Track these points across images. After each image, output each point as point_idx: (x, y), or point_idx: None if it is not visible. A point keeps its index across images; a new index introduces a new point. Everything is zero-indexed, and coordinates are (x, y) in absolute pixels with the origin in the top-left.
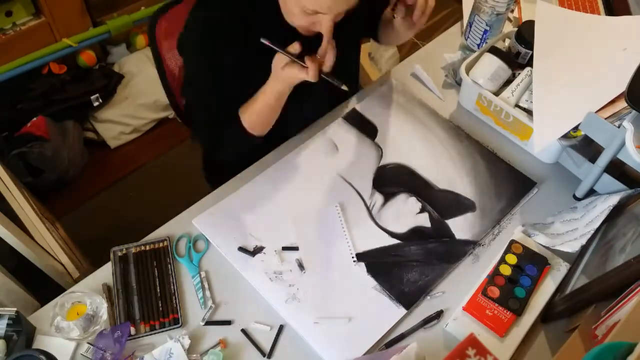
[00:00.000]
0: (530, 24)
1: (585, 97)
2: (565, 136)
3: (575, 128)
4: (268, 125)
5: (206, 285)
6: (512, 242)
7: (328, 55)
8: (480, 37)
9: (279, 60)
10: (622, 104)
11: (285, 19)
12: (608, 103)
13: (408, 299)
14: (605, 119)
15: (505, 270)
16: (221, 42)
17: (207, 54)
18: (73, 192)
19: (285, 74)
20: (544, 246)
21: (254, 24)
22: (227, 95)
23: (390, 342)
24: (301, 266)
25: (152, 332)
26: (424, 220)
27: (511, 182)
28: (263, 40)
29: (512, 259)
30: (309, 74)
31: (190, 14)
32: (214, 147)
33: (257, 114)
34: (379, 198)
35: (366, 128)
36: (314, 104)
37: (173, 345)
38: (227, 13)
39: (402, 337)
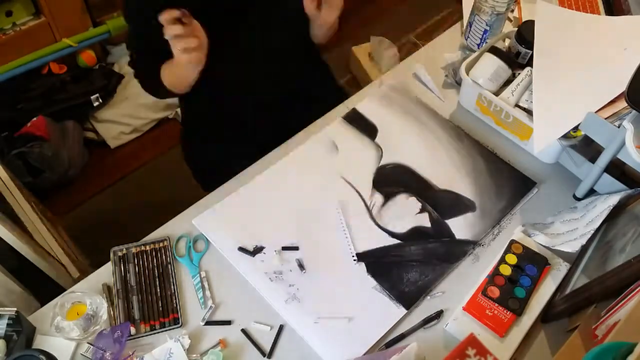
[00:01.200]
0: (530, 24)
1: (585, 97)
2: (565, 136)
3: (575, 128)
4: (188, 85)
5: (206, 285)
6: (512, 242)
7: None
8: (480, 37)
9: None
10: (622, 104)
11: None
12: (608, 103)
13: (408, 299)
14: (605, 119)
15: (505, 270)
16: None
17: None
18: (73, 192)
19: (174, 49)
20: (544, 246)
21: None
22: (152, 41)
23: (390, 342)
24: (301, 266)
25: (152, 332)
26: (424, 220)
27: (511, 182)
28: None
29: (512, 259)
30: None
31: None
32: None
33: (173, 75)
34: (379, 198)
35: (366, 128)
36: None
37: (173, 345)
38: None
39: (402, 337)
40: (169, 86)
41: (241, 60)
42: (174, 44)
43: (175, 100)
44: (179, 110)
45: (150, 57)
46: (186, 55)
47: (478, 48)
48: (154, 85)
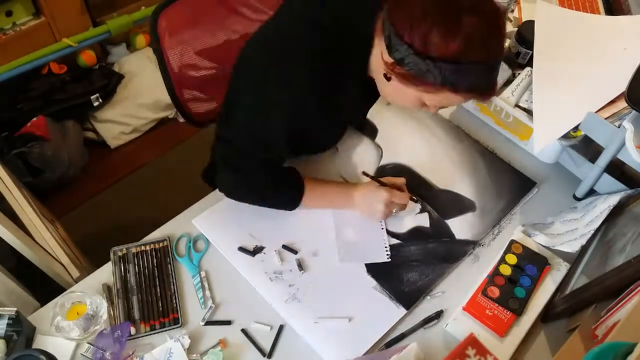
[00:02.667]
0: (530, 24)
1: (585, 97)
2: (565, 136)
3: (575, 128)
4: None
5: (206, 285)
6: (512, 242)
7: None
8: None
9: (385, 198)
10: (622, 104)
11: (386, 99)
12: (608, 103)
13: (408, 299)
14: (605, 119)
15: (505, 270)
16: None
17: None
18: (73, 192)
19: (380, 212)
20: (544, 246)
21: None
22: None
23: (390, 342)
24: (300, 266)
25: (152, 332)
26: (424, 220)
27: (511, 182)
28: (366, 174)
29: (512, 259)
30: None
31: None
32: (254, 195)
33: (322, 204)
34: None
35: (366, 128)
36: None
37: (173, 345)
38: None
39: (402, 337)
40: (310, 205)
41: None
42: (390, 205)
43: None
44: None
45: (277, 168)
46: (387, 212)
47: None
48: (282, 197)
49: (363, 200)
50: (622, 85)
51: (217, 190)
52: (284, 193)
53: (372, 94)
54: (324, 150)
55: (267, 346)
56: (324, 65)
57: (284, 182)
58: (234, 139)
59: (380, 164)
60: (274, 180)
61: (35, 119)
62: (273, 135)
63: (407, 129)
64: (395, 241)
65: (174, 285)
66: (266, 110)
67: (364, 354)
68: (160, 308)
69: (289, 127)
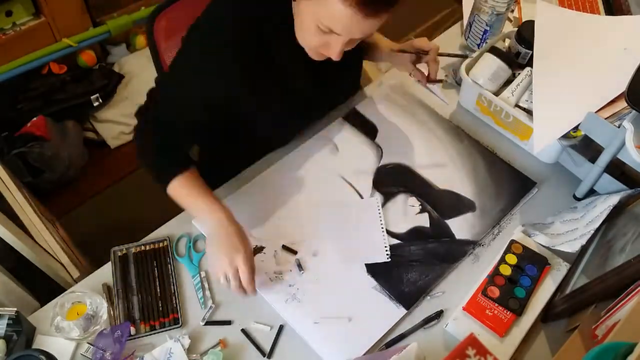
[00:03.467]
0: (530, 24)
1: (585, 97)
2: (565, 136)
3: (575, 128)
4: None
5: (206, 285)
6: (512, 242)
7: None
8: (480, 37)
9: (231, 257)
10: (622, 104)
11: (297, 38)
12: (608, 103)
13: (408, 299)
14: (605, 119)
15: (505, 270)
16: (229, 54)
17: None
18: (73, 192)
19: (219, 268)
20: (544, 246)
21: (261, 38)
22: (194, 121)
23: (390, 342)
24: (300, 266)
25: (152, 332)
26: (424, 220)
27: (511, 182)
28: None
29: (512, 259)
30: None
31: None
32: (142, 149)
33: (184, 203)
34: (379, 198)
35: (366, 128)
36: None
37: (173, 345)
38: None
39: (402, 337)
40: (172, 196)
41: (294, 117)
42: (233, 284)
43: None
44: None
45: (175, 134)
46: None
47: (478, 48)
48: (161, 165)
49: (224, 244)
50: (622, 85)
51: (217, 190)
52: (163, 161)
53: (310, 62)
54: (275, 143)
55: (267, 346)
56: (246, 26)
57: (172, 153)
58: (156, 96)
59: (380, 164)
60: (163, 145)
61: (35, 119)
62: (190, 96)
63: (407, 129)
64: (395, 241)
65: (174, 285)
66: (187, 73)
67: (364, 354)
68: (160, 308)
69: (209, 94)
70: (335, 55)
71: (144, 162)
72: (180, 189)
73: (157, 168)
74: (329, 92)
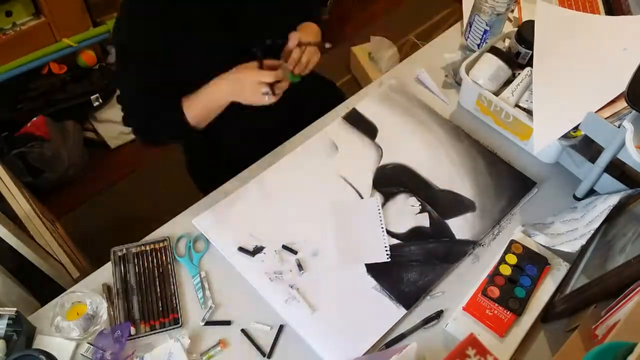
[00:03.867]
0: (530, 24)
1: (585, 97)
2: (565, 136)
3: (575, 128)
4: (211, 119)
5: (206, 285)
6: (512, 242)
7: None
8: (480, 37)
9: (254, 77)
10: (622, 104)
11: None
12: (608, 103)
13: (408, 299)
14: (605, 119)
15: (505, 270)
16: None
17: (144, 25)
18: (73, 192)
19: (252, 95)
20: (544, 246)
21: None
22: (164, 74)
23: (390, 342)
24: (300, 266)
25: (152, 332)
26: (424, 220)
27: (511, 182)
28: (255, 50)
29: (512, 259)
30: (268, 100)
31: None
32: (147, 132)
33: (203, 109)
34: (379, 198)
35: (366, 128)
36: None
37: (173, 345)
38: None
39: (402, 337)
40: (195, 121)
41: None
42: (261, 90)
43: None
44: None
45: (156, 95)
46: (268, 97)
47: (478, 48)
48: (166, 124)
49: (230, 83)
50: (622, 85)
51: (217, 190)
52: (163, 117)
53: None
54: (208, 71)
55: (267, 346)
56: None
57: (161, 108)
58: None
59: (380, 164)
60: (150, 111)
61: (35, 119)
62: (133, 43)
63: (407, 128)
64: (395, 241)
65: (174, 285)
66: (125, 21)
67: (364, 354)
68: (160, 308)
69: (146, 36)
70: None
71: (156, 134)
72: (195, 110)
73: (163, 128)
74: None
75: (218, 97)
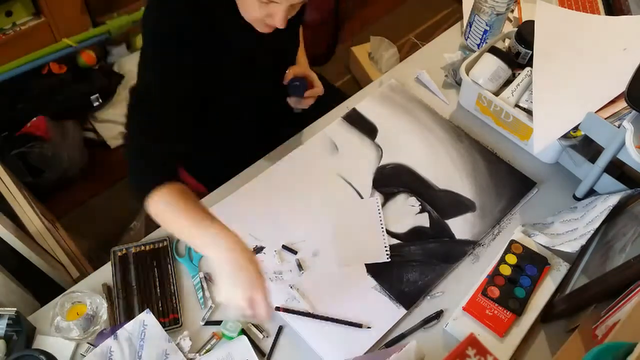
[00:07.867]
0: (530, 24)
1: (586, 97)
2: (565, 136)
3: (575, 128)
4: (181, 238)
5: (206, 285)
6: (512, 242)
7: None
8: (480, 37)
9: (252, 292)
10: (622, 104)
11: (242, 15)
12: (608, 103)
13: (408, 299)
14: (605, 119)
15: (505, 270)
16: (181, 42)
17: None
18: (73, 192)
19: (246, 280)
20: (544, 246)
21: (213, 22)
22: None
23: (390, 342)
24: (300, 266)
25: None
26: (424, 220)
27: (511, 182)
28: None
29: (512, 259)
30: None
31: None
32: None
33: (166, 222)
34: (379, 198)
35: (366, 128)
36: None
37: (146, 317)
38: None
39: (402, 337)
40: (154, 213)
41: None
42: (244, 305)
43: None
44: None
45: (166, 117)
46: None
47: (478, 48)
48: (145, 170)
49: (231, 265)
50: (622, 85)
51: (217, 190)
52: (148, 167)
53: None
54: (242, 100)
55: (267, 346)
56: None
57: (160, 158)
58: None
59: (380, 164)
60: (149, 145)
61: (35, 119)
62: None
63: (407, 128)
64: (395, 241)
65: (174, 285)
66: (150, 50)
67: (364, 354)
68: (160, 308)
69: (178, 61)
70: (280, 23)
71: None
72: (166, 205)
73: (139, 173)
74: (277, 55)
75: (210, 250)
